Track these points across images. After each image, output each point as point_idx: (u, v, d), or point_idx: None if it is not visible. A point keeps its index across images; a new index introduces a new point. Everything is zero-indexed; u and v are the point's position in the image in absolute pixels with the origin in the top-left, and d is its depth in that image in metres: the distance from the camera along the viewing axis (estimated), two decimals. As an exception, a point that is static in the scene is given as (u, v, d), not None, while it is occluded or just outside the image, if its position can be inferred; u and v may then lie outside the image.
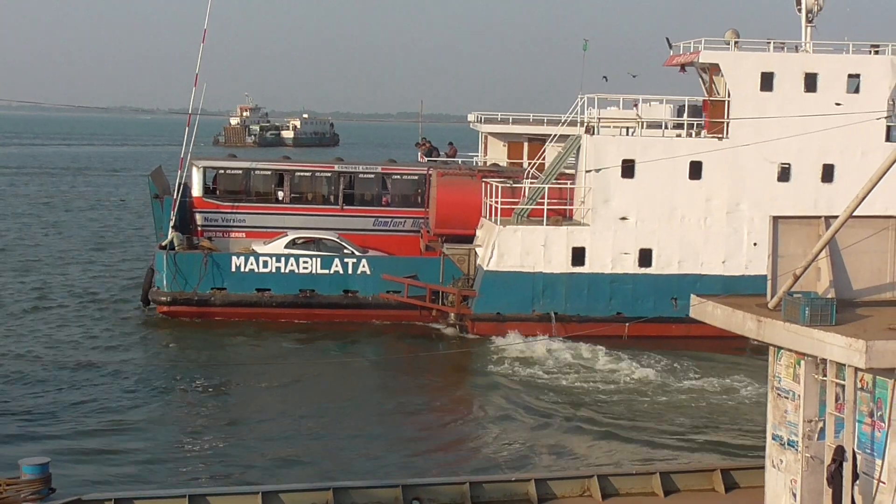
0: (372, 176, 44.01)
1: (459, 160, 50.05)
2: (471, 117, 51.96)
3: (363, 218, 43.37)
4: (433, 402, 31.21)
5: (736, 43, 39.13)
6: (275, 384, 32.03)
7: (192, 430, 27.27)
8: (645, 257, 38.07)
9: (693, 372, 33.78)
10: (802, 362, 15.48)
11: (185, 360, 34.84)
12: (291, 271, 39.47)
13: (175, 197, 40.66)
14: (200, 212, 42.96)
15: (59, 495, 16.58)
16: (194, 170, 43.10)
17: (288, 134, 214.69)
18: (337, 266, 39.61)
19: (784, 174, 38.49)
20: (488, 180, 39.71)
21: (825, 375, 15.25)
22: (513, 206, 38.33)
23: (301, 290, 39.61)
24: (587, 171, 37.52)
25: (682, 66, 40.47)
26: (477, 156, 51.28)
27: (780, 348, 15.75)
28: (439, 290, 38.61)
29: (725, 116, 38.27)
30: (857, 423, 14.75)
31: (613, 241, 37.89)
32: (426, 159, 50.54)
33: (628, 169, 37.76)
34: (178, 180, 41.11)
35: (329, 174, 44.05)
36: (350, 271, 39.57)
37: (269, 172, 44.01)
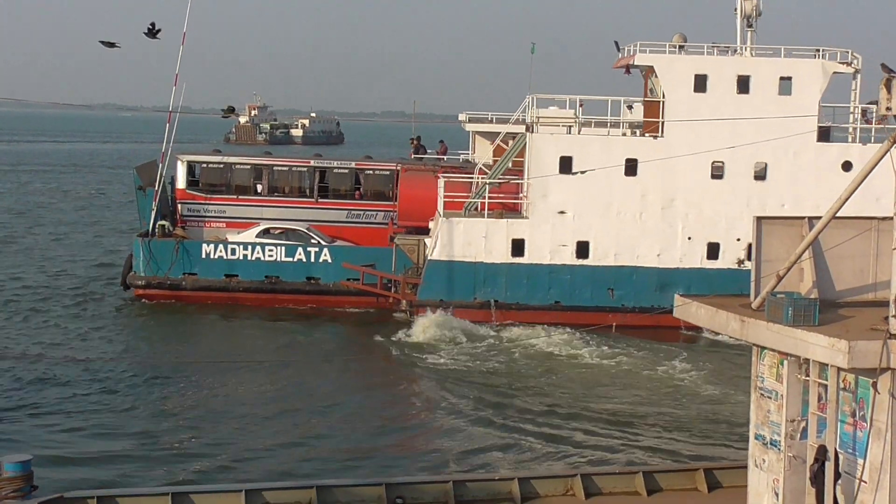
0: (346, 171, 46.45)
1: (444, 157, 51.14)
2: (461, 117, 53.17)
3: (337, 210, 45.77)
4: (393, 399, 31.03)
5: (682, 46, 40.28)
6: (247, 380, 31.94)
7: (173, 427, 26.85)
8: (582, 249, 39.80)
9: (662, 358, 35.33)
10: (785, 362, 15.33)
11: (162, 353, 35.21)
12: (258, 258, 42.15)
13: (157, 189, 42.93)
14: (183, 203, 45.53)
15: (41, 493, 16.15)
16: (178, 163, 45.70)
17: (297, 132, 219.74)
18: (300, 254, 42.17)
19: (717, 172, 39.88)
20: (440, 176, 41.37)
21: (808, 375, 15.02)
22: (465, 201, 40.03)
23: (267, 276, 42.19)
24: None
25: (627, 69, 41.51)
26: (467, 154, 52.50)
27: (763, 348, 15.66)
28: (390, 279, 40.85)
29: (661, 116, 39.73)
30: (839, 423, 14.56)
31: (552, 233, 39.69)
32: (413, 156, 51.84)
33: (566, 165, 39.26)
34: (159, 174, 43.42)
35: (305, 169, 46.58)
36: (313, 259, 42.09)
37: (248, 167, 46.49)
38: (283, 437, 26.41)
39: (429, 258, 39.88)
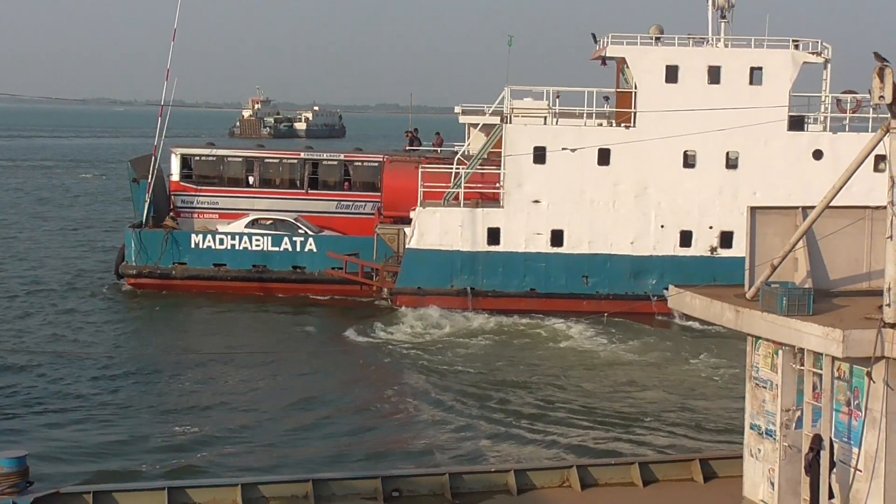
0: (335, 163, 46.94)
1: (439, 149, 51.18)
2: (457, 109, 53.39)
3: (326, 201, 46.29)
4: (383, 391, 30.49)
5: (658, 38, 40.43)
6: (236, 374, 31.63)
7: (168, 422, 26.33)
8: (557, 237, 40.09)
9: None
10: (780, 352, 15.25)
11: (154, 346, 35.10)
12: (245, 248, 42.80)
13: (150, 181, 43.44)
14: (177, 194, 46.21)
15: (37, 488, 15.88)
16: (172, 156, 46.47)
17: (301, 126, 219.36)
18: (286, 244, 42.79)
19: (689, 161, 40.03)
20: (421, 167, 41.45)
21: (802, 365, 14.95)
22: (445, 191, 40.37)
23: (254, 265, 42.76)
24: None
25: (603, 60, 41.63)
26: (463, 146, 52.52)
27: (757, 338, 15.60)
28: (371, 267, 41.25)
29: (633, 107, 39.90)
30: (834, 412, 14.53)
31: (526, 222, 39.96)
32: (406, 148, 51.92)
33: (540, 155, 39.58)
34: (151, 166, 43.64)
35: (295, 161, 47.07)
36: (298, 249, 42.69)
37: (240, 159, 47.25)
38: (275, 430, 25.86)
39: (407, 247, 40.28)
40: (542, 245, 40.14)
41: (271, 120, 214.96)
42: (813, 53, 40.32)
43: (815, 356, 14.68)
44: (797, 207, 15.59)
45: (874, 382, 13.91)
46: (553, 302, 39.83)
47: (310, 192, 46.44)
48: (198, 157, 47.00)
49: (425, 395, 29.78)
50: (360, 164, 47.00)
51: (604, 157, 39.90)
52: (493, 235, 40.01)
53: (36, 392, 28.67)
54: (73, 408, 27.43)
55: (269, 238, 42.90)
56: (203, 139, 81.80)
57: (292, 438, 25.58)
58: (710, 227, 39.99)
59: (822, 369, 14.69)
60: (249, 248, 42.84)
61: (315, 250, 42.66)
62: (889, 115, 14.02)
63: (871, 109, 39.46)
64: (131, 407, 27.79)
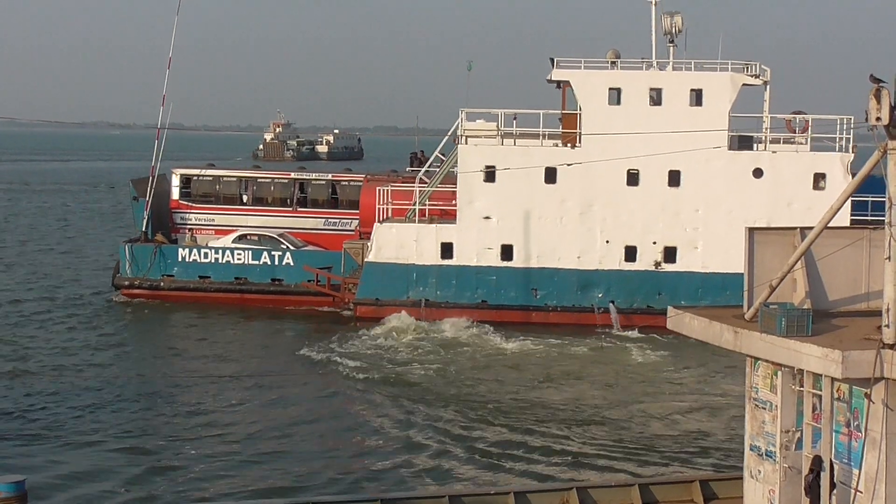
0: (323, 182, 49.53)
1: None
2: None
3: (315, 218, 48.82)
4: (368, 411, 29.89)
5: (614, 62, 41.61)
6: (222, 393, 31.22)
7: (163, 446, 25.65)
8: (507, 252, 41.57)
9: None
10: (779, 373, 14.94)
11: (147, 365, 35.22)
12: (228, 262, 45.43)
13: (148, 199, 46.34)
14: (177, 212, 49.13)
15: None
16: (173, 176, 49.36)
17: (322, 148, 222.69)
18: (265, 258, 45.18)
19: (633, 179, 41.12)
20: (376, 187, 43.78)
21: (802, 386, 14.61)
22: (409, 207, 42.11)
23: (236, 277, 45.23)
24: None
25: (559, 84, 42.81)
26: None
27: (756, 359, 15.44)
28: (338, 280, 43.38)
29: (578, 128, 41.28)
30: (834, 433, 14.24)
31: (478, 237, 41.53)
32: (408, 168, 52.69)
33: (490, 174, 41.34)
34: (149, 186, 46.33)
35: (286, 181, 49.81)
36: (277, 262, 45.05)
37: (234, 179, 50.02)
38: (264, 452, 25.77)
39: (366, 261, 42.14)
40: (493, 259, 41.70)
41: (294, 143, 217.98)
42: (752, 76, 41.31)
43: (814, 377, 14.55)
44: (795, 228, 15.58)
45: (873, 403, 13.80)
46: (503, 313, 41.34)
47: (298, 209, 48.91)
48: (196, 177, 49.71)
49: (408, 414, 29.32)
50: (346, 183, 49.14)
51: (551, 175, 41.24)
52: (447, 250, 41.67)
53: (32, 415, 28.33)
54: (71, 431, 27.02)
55: (250, 252, 45.25)
56: (231, 161, 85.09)
57: (285, 461, 25.22)
58: (654, 243, 41.16)
59: (821, 390, 14.52)
60: (232, 261, 45.33)
61: (292, 264, 44.83)
62: (886, 137, 14.05)
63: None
64: (128, 430, 27.22)
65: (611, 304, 41.27)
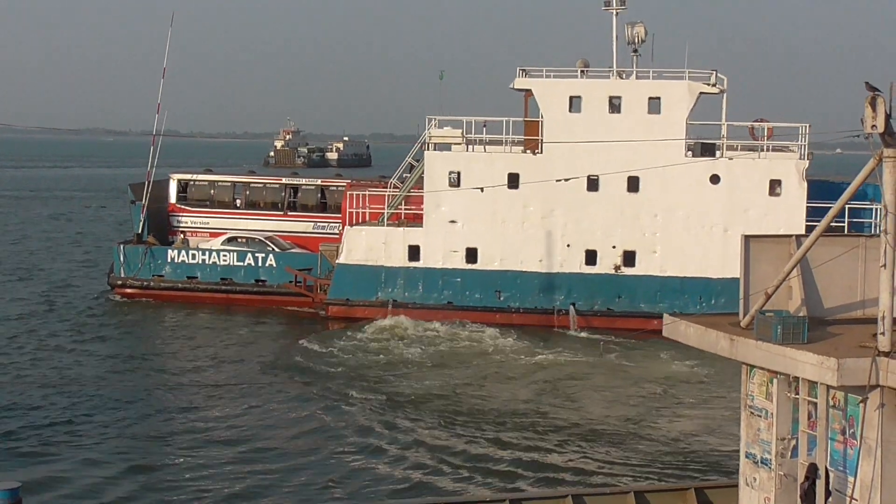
0: (313, 188, 50.92)
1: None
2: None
3: (305, 222, 50.28)
4: (362, 419, 29.49)
5: (583, 71, 42.52)
6: (208, 402, 30.82)
7: (157, 454, 25.43)
8: (471, 255, 42.57)
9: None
10: (775, 380, 14.72)
11: (139, 370, 35.36)
12: (214, 263, 47.11)
13: (144, 203, 48.32)
14: (174, 215, 50.98)
15: None
16: (171, 181, 51.14)
17: (332, 155, 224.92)
18: (250, 259, 46.81)
19: (593, 185, 41.86)
20: (347, 191, 45.10)
21: (797, 393, 14.41)
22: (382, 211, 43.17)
23: (222, 278, 46.91)
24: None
25: (522, 91, 43.45)
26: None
27: (752, 367, 15.18)
28: (314, 281, 44.88)
29: (539, 135, 42.14)
30: (829, 441, 14.09)
31: (444, 240, 42.54)
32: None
33: (455, 180, 42.45)
34: (145, 190, 48.30)
35: (277, 186, 51.50)
36: (260, 264, 46.67)
37: (229, 184, 51.89)
38: (270, 463, 25.16)
39: (337, 262, 43.29)
40: (459, 262, 42.64)
41: (304, 150, 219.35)
42: (708, 84, 41.93)
43: (810, 385, 14.47)
44: (790, 236, 15.60)
45: (869, 411, 13.95)
46: (468, 314, 42.22)
47: (288, 213, 50.41)
48: (192, 182, 51.47)
49: (396, 419, 29.29)
50: (334, 188, 50.33)
51: (513, 181, 42.09)
52: (414, 252, 42.64)
53: (26, 422, 27.79)
54: (64, 440, 26.61)
55: (235, 254, 46.86)
56: (244, 168, 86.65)
57: (282, 473, 24.98)
58: (614, 247, 41.89)
59: (817, 398, 14.48)
60: (218, 263, 46.92)
61: (275, 266, 46.32)
62: (882, 144, 14.12)
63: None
64: (122, 437, 26.94)
65: (571, 307, 41.68)
